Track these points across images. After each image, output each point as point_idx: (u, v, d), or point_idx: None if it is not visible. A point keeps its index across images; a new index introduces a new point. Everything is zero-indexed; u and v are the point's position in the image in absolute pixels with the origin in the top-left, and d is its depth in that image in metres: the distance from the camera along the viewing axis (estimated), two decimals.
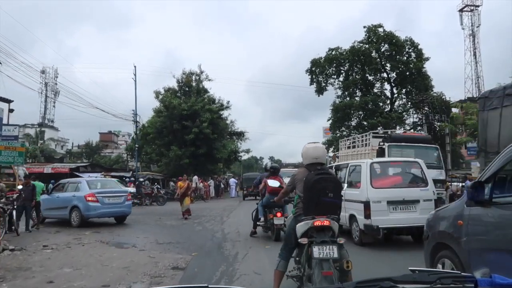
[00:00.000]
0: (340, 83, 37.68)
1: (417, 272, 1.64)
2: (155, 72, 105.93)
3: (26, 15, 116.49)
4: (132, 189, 23.53)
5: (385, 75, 36.24)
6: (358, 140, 18.91)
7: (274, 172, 10.52)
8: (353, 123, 37.68)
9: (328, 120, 40.53)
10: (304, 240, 4.04)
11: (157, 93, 34.09)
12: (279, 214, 9.49)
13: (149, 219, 15.23)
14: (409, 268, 1.67)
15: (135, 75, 31.99)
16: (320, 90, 37.89)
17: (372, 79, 37.19)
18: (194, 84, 35.35)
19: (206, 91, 35.56)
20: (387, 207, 8.16)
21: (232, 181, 31.59)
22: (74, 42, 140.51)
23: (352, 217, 8.76)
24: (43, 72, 63.12)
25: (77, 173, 29.82)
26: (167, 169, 33.08)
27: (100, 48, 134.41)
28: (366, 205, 8.18)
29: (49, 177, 28.62)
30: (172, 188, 28.05)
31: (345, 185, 8.76)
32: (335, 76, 37.81)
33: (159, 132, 33.83)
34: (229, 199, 28.47)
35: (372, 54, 35.31)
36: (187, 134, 31.50)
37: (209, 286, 1.32)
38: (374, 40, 34.75)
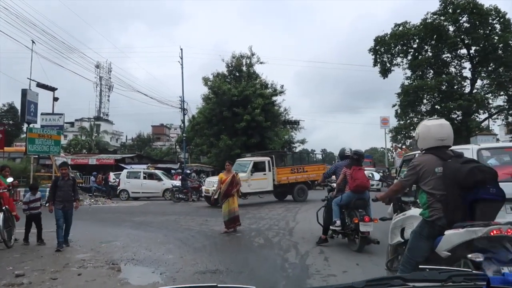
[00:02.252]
0: (409, 62, 32.36)
1: (427, 270, 1.64)
2: (204, 66, 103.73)
3: (82, 14, 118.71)
4: (177, 182, 20.19)
5: (464, 51, 30.37)
6: None
7: (358, 160, 7.49)
8: (424, 108, 32.26)
9: (393, 106, 35.30)
10: (477, 257, 2.65)
11: (205, 80, 30.64)
12: (367, 219, 6.89)
13: (192, 222, 11.54)
14: (420, 266, 1.84)
15: (181, 58, 28.90)
16: (384, 72, 32.75)
17: (447, 56, 31.47)
18: (244, 68, 31.59)
19: (257, 76, 31.72)
20: (504, 207, 5.39)
21: None
22: (127, 39, 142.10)
23: None
24: (97, 66, 62.51)
25: (122, 165, 27.36)
26: (217, 160, 29.67)
27: (151, 44, 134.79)
28: None
29: (94, 168, 26.15)
30: None
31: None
32: (402, 55, 32.51)
33: (208, 121, 30.49)
34: None
35: (449, 27, 29.67)
36: (238, 122, 27.89)
37: (218, 285, 1.28)
38: (451, 11, 29.12)
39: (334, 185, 8.30)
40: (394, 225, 4.46)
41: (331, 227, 7.62)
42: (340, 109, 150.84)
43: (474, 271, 1.53)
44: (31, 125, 19.49)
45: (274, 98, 30.96)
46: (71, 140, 49.99)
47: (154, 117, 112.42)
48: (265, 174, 16.99)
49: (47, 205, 8.40)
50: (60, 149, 19.47)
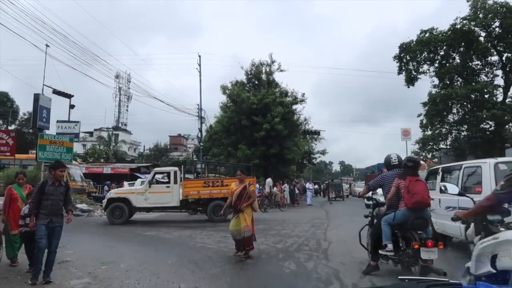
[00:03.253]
0: (436, 70, 30.59)
1: (406, 280, 1.62)
2: (222, 77, 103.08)
3: (103, 28, 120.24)
4: None
5: (495, 58, 28.44)
6: None
7: (413, 169, 5.95)
8: (451, 118, 30.34)
9: (418, 116, 33.45)
10: None
11: (224, 88, 29.34)
12: (430, 244, 5.38)
13: (209, 239, 10.08)
14: (399, 277, 1.67)
15: (199, 65, 27.74)
16: (410, 80, 31.03)
17: (477, 64, 29.58)
18: (264, 76, 30.27)
19: (277, 84, 30.36)
20: None
21: (309, 186, 25.77)
22: (147, 51, 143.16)
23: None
24: (117, 77, 62.43)
25: (137, 174, 26.22)
26: (235, 171, 28.26)
27: (170, 56, 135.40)
28: None
29: (109, 178, 25.06)
30: None
31: (457, 190, 5.24)
32: (429, 63, 30.76)
33: (226, 130, 29.14)
34: (307, 207, 22.76)
35: (480, 33, 27.87)
36: (257, 131, 26.45)
37: None
38: (481, 16, 27.35)
39: (382, 199, 6.82)
40: (481, 251, 3.20)
41: (380, 251, 6.08)
42: (358, 121, 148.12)
43: (451, 281, 1.51)
44: (44, 131, 18.49)
45: (294, 106, 29.54)
46: (88, 149, 49.43)
47: (172, 128, 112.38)
48: (168, 187, 14.38)
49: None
50: (72, 156, 18.37)
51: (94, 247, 8.86)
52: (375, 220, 6.78)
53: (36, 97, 17.66)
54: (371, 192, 7.51)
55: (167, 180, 14.55)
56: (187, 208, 15.57)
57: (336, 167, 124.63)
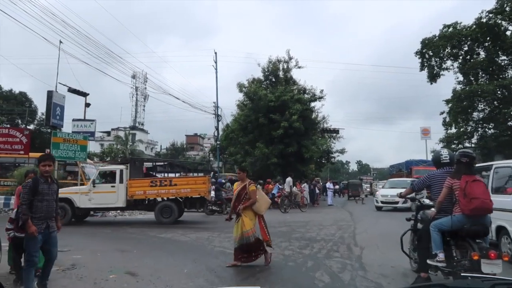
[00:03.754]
0: (460, 66, 29.19)
1: (469, 278, 1.57)
2: (238, 76, 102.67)
3: (120, 28, 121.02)
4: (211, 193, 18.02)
5: None
6: None
7: (469, 166, 5.02)
8: (476, 116, 28.92)
9: (441, 113, 32.02)
10: None
11: (240, 86, 28.49)
12: (493, 255, 4.41)
13: (228, 242, 9.16)
14: (462, 274, 1.31)
15: (215, 62, 27.01)
16: (433, 77, 29.69)
17: (503, 59, 28.08)
18: (281, 73, 29.34)
19: (295, 82, 29.39)
20: None
21: (330, 185, 24.69)
22: (162, 51, 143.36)
23: (502, 229, 6.95)
24: (133, 77, 62.31)
25: (153, 173, 25.54)
26: (253, 170, 27.41)
27: (186, 56, 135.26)
28: None
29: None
30: None
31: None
32: (452, 58, 29.35)
33: (243, 128, 28.31)
34: (329, 208, 21.73)
35: (507, 27, 26.42)
36: (275, 129, 25.57)
37: None
38: (508, 9, 25.89)
39: (427, 201, 5.88)
40: None
41: (429, 261, 5.14)
42: (374, 119, 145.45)
43: None
44: (58, 129, 17.98)
45: (312, 104, 28.52)
46: (105, 149, 49.31)
47: (189, 127, 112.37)
48: (113, 186, 13.34)
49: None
50: (86, 155, 17.80)
51: (104, 251, 8.12)
52: (418, 224, 5.87)
53: (49, 94, 17.15)
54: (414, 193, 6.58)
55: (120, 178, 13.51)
56: (134, 209, 14.77)
57: (353, 167, 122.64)
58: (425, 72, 29.79)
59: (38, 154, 19.28)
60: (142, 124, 65.51)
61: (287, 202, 18.12)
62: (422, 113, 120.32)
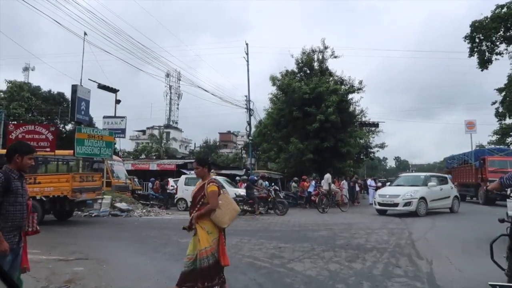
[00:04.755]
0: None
1: (498, 287, 1.52)
2: (271, 71, 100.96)
3: (154, 29, 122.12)
4: (241, 191, 16.56)
5: None
6: None
7: None
8: None
9: (493, 104, 29.11)
10: None
11: (273, 79, 26.78)
12: None
13: (260, 250, 7.62)
14: (489, 283, 1.51)
15: (247, 54, 25.56)
16: (484, 63, 26.81)
17: None
18: (316, 64, 27.37)
19: (331, 73, 27.33)
20: None
21: (371, 182, 22.50)
22: (195, 50, 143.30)
23: None
24: (167, 75, 62.05)
25: (184, 170, 24.54)
26: (287, 167, 25.73)
27: (218, 54, 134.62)
28: None
29: (155, 174, 23.54)
30: (294, 191, 20.48)
31: None
32: (506, 42, 26.36)
33: (277, 123, 26.65)
34: (370, 207, 19.59)
35: None
36: (310, 123, 23.75)
37: None
38: None
39: None
40: None
41: None
42: (412, 114, 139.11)
43: None
44: (85, 125, 17.09)
45: (350, 96, 26.41)
46: (138, 147, 49.23)
47: (222, 125, 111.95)
48: None
49: None
50: (112, 151, 16.79)
51: (113, 260, 6.78)
52: None
53: (74, 89, 16.26)
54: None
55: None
56: None
57: (391, 163, 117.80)
58: (468, 62, 26.99)
59: (65, 152, 18.62)
60: (176, 123, 65.32)
61: (325, 201, 16.31)
62: (465, 106, 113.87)
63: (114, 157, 19.91)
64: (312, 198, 18.06)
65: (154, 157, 42.86)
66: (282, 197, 17.17)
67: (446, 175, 18.11)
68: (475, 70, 27.18)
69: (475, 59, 26.86)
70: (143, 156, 45.94)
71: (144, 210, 15.16)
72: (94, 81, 22.87)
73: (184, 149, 65.63)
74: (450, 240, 8.69)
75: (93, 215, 13.93)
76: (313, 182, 19.32)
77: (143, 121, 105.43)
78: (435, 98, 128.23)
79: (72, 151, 16.82)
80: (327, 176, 17.11)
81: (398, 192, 14.19)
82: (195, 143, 68.41)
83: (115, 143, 23.80)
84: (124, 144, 61.69)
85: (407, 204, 13.52)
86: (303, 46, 27.54)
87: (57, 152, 16.95)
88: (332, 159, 25.01)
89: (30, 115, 36.32)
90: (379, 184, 25.45)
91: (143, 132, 63.88)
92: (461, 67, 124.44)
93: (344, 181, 21.46)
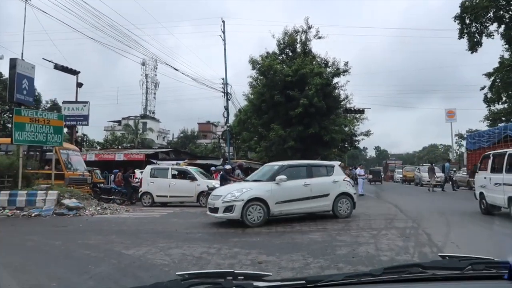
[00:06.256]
0: (503, 33, 24.59)
1: (447, 258, 1.50)
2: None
3: (133, 17, 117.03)
4: (216, 182, 14.07)
5: None
6: None
7: None
8: None
9: (481, 89, 27.43)
10: None
11: (253, 62, 24.19)
12: None
13: (238, 263, 5.24)
14: (439, 254, 1.52)
15: (223, 32, 22.88)
16: (473, 45, 25.09)
17: None
18: (299, 46, 24.99)
19: (314, 56, 24.99)
20: None
21: (361, 172, 20.33)
22: (173, 40, 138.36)
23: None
24: (143, 64, 58.97)
25: (153, 160, 21.90)
26: (268, 155, 23.40)
27: (196, 45, 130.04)
28: None
29: (121, 165, 20.79)
30: None
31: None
32: (497, 23, 24.71)
33: (257, 109, 24.26)
34: (363, 199, 17.18)
35: None
36: (293, 108, 21.48)
37: (235, 271, 1.33)
38: None
39: None
40: None
41: None
42: (391, 105, 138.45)
43: (496, 259, 1.35)
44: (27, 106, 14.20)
45: (335, 80, 24.21)
46: (107, 137, 45.99)
47: (201, 116, 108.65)
48: None
49: None
50: (62, 138, 13.95)
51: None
52: None
53: (13, 63, 13.22)
54: None
55: None
56: None
57: (371, 153, 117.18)
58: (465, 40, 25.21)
59: (6, 140, 15.72)
60: (153, 113, 62.06)
61: None
62: (441, 96, 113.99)
63: (69, 145, 17.07)
64: None
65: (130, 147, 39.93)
66: None
67: (333, 163, 11.41)
68: (455, 57, 25.49)
69: (465, 41, 25.15)
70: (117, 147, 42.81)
71: (99, 208, 12.50)
72: (50, 61, 19.85)
73: (161, 140, 62.57)
74: (479, 243, 6.48)
75: (33, 214, 11.22)
76: None
77: (119, 112, 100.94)
78: (413, 88, 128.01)
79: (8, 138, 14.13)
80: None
81: (222, 192, 9.67)
82: (173, 134, 65.42)
83: (67, 128, 20.56)
84: (98, 136, 58.12)
85: (228, 209, 8.96)
86: (285, 26, 25.10)
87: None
88: (317, 147, 22.88)
89: None
90: (370, 176, 23.37)
91: (119, 122, 60.42)
92: (443, 54, 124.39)
93: None
